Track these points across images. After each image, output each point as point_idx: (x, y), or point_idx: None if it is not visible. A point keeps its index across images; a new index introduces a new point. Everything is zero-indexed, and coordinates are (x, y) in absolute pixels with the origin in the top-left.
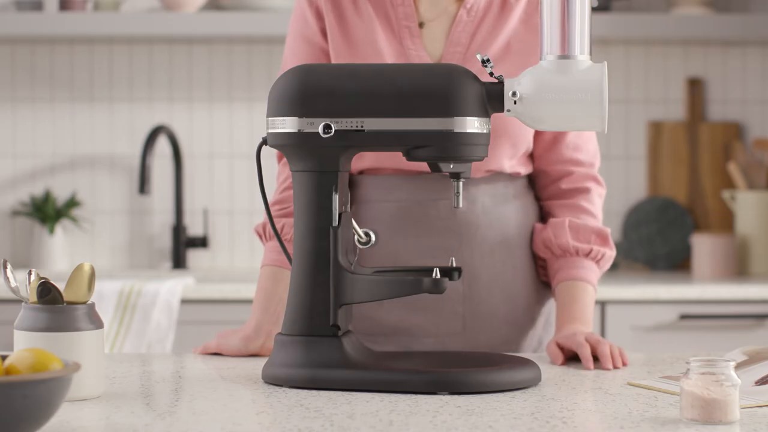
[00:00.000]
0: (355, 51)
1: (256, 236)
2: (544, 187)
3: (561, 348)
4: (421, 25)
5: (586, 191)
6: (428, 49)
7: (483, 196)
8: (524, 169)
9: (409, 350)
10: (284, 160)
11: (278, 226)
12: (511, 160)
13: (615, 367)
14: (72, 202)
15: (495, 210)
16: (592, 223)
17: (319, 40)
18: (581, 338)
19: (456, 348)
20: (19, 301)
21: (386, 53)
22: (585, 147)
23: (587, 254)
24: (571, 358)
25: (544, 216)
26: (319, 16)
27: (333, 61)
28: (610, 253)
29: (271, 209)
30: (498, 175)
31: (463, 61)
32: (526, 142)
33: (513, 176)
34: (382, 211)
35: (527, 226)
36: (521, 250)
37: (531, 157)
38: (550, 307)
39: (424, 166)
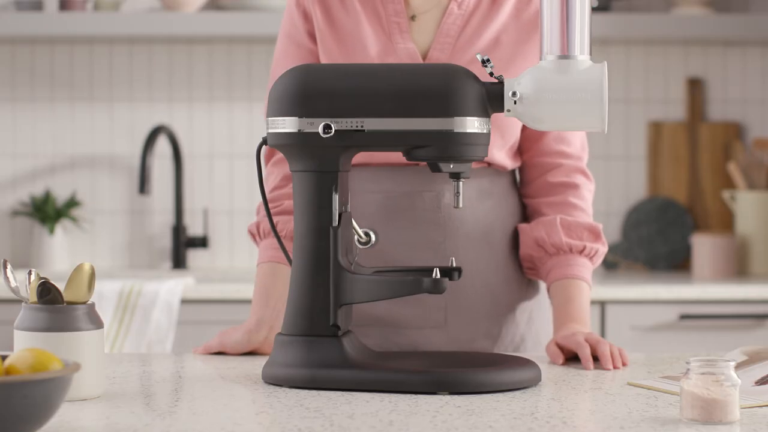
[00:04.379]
0: (343, 47)
1: (250, 236)
2: (531, 181)
3: (560, 348)
4: (413, 18)
5: (575, 187)
6: (418, 41)
7: (468, 192)
8: (511, 163)
9: (409, 350)
10: (273, 159)
11: (255, 229)
12: (500, 150)
13: (615, 368)
14: (72, 202)
15: (480, 206)
16: (583, 219)
17: (306, 42)
18: (581, 338)
19: (438, 341)
20: (19, 301)
21: (373, 48)
22: (571, 139)
23: (581, 251)
24: (571, 358)
25: (529, 215)
26: (307, 18)
27: (322, 60)
28: (603, 249)
29: (262, 216)
30: (484, 170)
31: (452, 53)
32: (515, 133)
33: (499, 171)
34: (369, 202)
35: (511, 223)
36: (504, 247)
37: (518, 152)
38: (533, 304)
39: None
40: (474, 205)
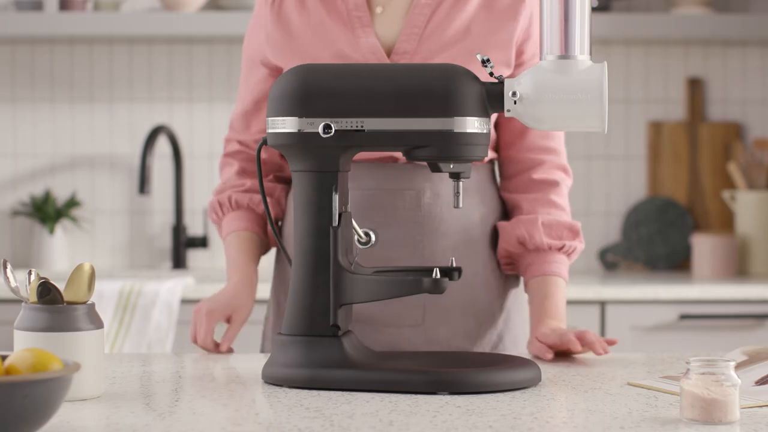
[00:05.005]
0: (304, 51)
1: (216, 207)
2: (513, 177)
3: (545, 344)
4: (380, 8)
5: (555, 185)
6: (386, 32)
7: (447, 190)
8: (490, 153)
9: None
10: (233, 150)
11: (227, 200)
12: None
13: (606, 349)
14: (72, 202)
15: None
16: (563, 218)
17: (253, 51)
18: (562, 331)
19: (416, 339)
20: (19, 301)
21: (335, 47)
22: (554, 134)
23: (559, 249)
24: (559, 354)
25: (509, 209)
26: (259, 31)
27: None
28: (581, 246)
29: (230, 191)
30: None
31: (418, 43)
32: None
33: (477, 166)
34: (349, 198)
35: (489, 221)
36: (483, 245)
37: (495, 144)
38: (511, 302)
39: (392, 154)
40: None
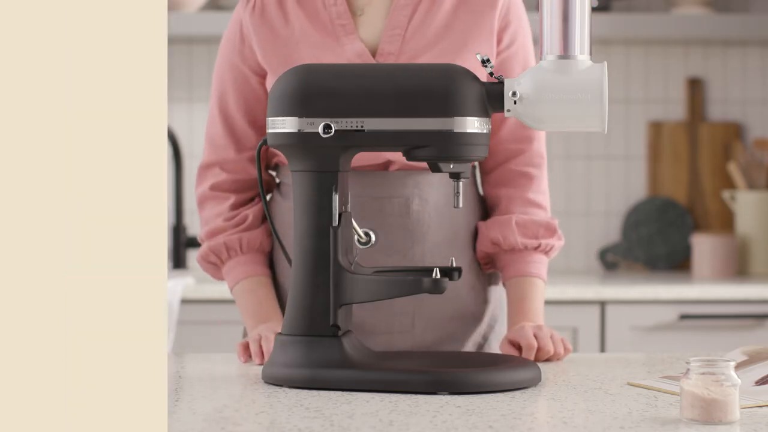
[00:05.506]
0: (289, 60)
1: (215, 255)
2: (492, 169)
3: (512, 344)
4: (360, 11)
5: (533, 179)
6: (368, 35)
7: (435, 196)
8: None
9: (409, 351)
10: (215, 182)
11: (237, 243)
12: None
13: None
14: None
15: (446, 210)
16: (539, 217)
17: (241, 65)
18: (529, 331)
19: (405, 345)
20: None
21: (323, 56)
22: None
23: (536, 248)
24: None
25: (488, 207)
26: (244, 41)
27: (269, 78)
28: (559, 243)
29: (232, 231)
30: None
31: (402, 43)
32: None
33: None
34: None
35: (471, 222)
36: (466, 247)
37: None
38: (495, 303)
39: (382, 162)
40: (441, 210)
